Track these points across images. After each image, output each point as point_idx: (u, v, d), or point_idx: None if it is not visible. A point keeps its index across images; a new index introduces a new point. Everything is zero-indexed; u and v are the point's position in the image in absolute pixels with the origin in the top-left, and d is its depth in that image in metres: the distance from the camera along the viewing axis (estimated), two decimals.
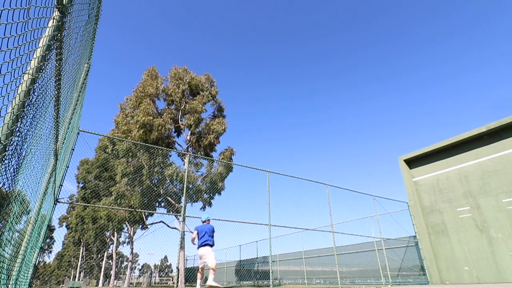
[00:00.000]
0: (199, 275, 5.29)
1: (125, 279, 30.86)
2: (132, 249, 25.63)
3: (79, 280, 35.03)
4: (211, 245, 5.11)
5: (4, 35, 1.02)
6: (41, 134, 2.16)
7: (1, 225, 1.82)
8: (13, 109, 1.20)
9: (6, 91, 1.11)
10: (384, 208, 12.06)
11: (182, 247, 11.85)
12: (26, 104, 1.30)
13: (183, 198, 8.40)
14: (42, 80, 1.56)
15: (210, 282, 4.82)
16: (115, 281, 32.67)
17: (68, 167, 5.65)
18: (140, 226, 20.53)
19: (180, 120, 14.82)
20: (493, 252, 9.14)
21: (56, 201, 5.18)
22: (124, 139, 11.15)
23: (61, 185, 5.33)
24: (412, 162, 12.50)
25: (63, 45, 1.85)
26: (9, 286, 2.57)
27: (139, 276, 55.48)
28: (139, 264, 60.69)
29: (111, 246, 31.13)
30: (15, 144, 1.35)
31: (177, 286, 6.58)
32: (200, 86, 15.40)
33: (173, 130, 15.11)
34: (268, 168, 8.78)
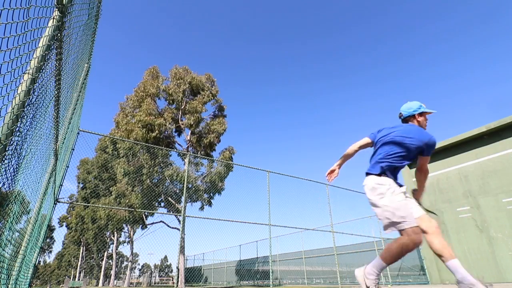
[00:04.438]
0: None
1: (125, 279, 30.87)
2: (132, 249, 25.65)
3: (79, 280, 35.06)
4: (376, 174, 2.14)
5: (4, 35, 1.02)
6: (41, 134, 2.16)
7: (1, 225, 1.82)
8: (13, 109, 1.20)
9: (6, 91, 1.11)
10: None
11: (182, 247, 11.86)
12: (26, 104, 1.30)
13: (183, 198, 8.40)
14: (42, 80, 1.56)
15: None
16: (115, 281, 32.68)
17: (68, 167, 5.65)
18: (140, 226, 20.54)
19: (181, 120, 14.82)
20: (493, 252, 9.14)
21: (56, 201, 5.18)
22: (125, 139, 11.16)
23: (61, 185, 5.33)
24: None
25: (63, 45, 1.85)
26: (9, 286, 2.57)
27: (139, 276, 55.50)
28: (139, 264, 60.74)
29: (111, 246, 31.15)
30: (15, 144, 1.35)
31: (177, 286, 6.58)
32: (201, 86, 15.40)
33: (174, 130, 15.13)
34: (268, 168, 8.79)
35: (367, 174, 2.23)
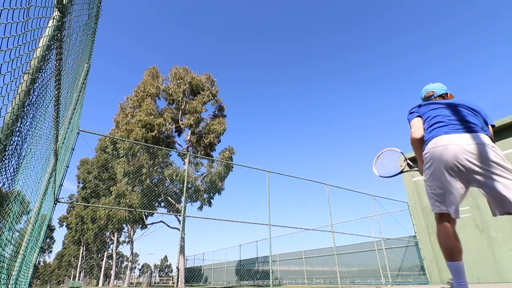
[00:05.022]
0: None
1: (125, 279, 30.87)
2: (132, 249, 25.65)
3: (79, 280, 35.04)
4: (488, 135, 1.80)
5: (4, 35, 1.02)
6: (41, 134, 2.15)
7: (1, 225, 1.82)
8: (13, 109, 1.20)
9: (6, 91, 1.11)
10: (384, 208, 12.06)
11: (182, 247, 11.86)
12: (26, 104, 1.30)
13: (183, 198, 8.40)
14: (42, 80, 1.56)
15: None
16: (115, 281, 32.68)
17: (68, 167, 5.65)
18: (140, 226, 20.54)
19: (181, 120, 14.82)
20: (493, 252, 9.14)
21: (56, 201, 5.18)
22: (124, 139, 11.16)
23: (61, 185, 5.33)
24: (412, 162, 12.49)
25: (63, 45, 1.85)
26: (9, 286, 2.57)
27: (139, 276, 55.49)
28: (139, 264, 60.71)
29: (111, 246, 31.14)
30: (15, 144, 1.35)
31: (177, 286, 6.58)
32: (201, 86, 15.40)
33: (174, 130, 15.14)
34: (268, 168, 8.79)
35: (475, 131, 1.78)
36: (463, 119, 1.89)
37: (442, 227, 1.81)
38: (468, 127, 1.83)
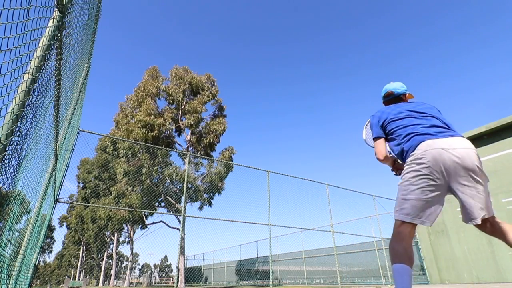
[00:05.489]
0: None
1: (125, 279, 30.87)
2: (132, 249, 25.65)
3: (79, 280, 35.04)
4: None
5: (4, 35, 1.02)
6: (41, 134, 2.16)
7: (1, 225, 1.82)
8: (13, 109, 1.20)
9: (6, 91, 1.11)
10: (384, 208, 12.07)
11: (182, 247, 11.86)
12: (26, 104, 1.30)
13: (183, 198, 8.40)
14: (42, 80, 1.56)
15: None
16: (115, 281, 32.67)
17: (68, 167, 5.65)
18: (140, 226, 20.53)
19: (181, 120, 14.82)
20: (493, 252, 9.14)
21: (56, 201, 5.18)
22: (125, 139, 11.17)
23: (61, 185, 5.33)
24: None
25: (63, 45, 1.85)
26: (9, 285, 2.57)
27: (139, 276, 55.49)
28: (139, 264, 60.69)
29: (111, 246, 31.14)
30: (15, 144, 1.35)
31: (177, 286, 6.58)
32: (201, 86, 15.40)
33: (174, 130, 15.14)
34: (268, 168, 8.79)
35: (456, 136, 1.73)
36: (441, 124, 1.84)
37: (406, 236, 1.64)
38: (450, 131, 1.78)
